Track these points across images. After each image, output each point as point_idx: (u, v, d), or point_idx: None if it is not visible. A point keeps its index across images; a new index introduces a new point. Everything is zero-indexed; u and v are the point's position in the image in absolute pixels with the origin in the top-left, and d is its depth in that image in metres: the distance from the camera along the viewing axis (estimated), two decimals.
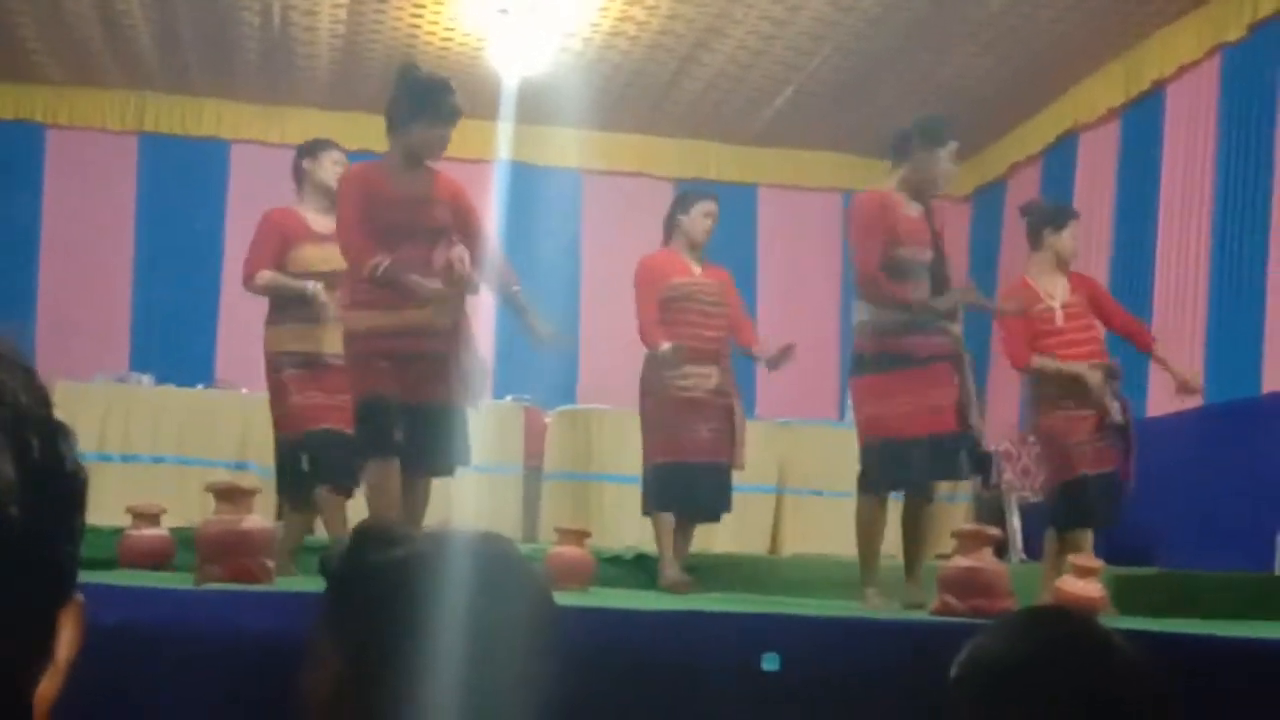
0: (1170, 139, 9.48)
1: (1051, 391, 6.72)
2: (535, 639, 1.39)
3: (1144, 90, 9.74)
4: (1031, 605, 3.70)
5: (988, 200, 12.15)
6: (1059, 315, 6.84)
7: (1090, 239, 10.33)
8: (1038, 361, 6.72)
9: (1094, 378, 6.64)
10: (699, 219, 6.93)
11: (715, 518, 6.97)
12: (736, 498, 9.22)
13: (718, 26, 9.83)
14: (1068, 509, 6.71)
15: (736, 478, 9.35)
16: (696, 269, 6.92)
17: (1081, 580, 6.00)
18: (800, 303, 12.20)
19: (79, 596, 0.84)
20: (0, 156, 11.42)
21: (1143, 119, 9.84)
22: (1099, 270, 10.09)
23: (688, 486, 6.78)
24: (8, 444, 0.76)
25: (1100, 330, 6.95)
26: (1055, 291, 6.82)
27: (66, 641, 0.82)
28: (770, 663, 3.73)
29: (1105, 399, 6.67)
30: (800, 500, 9.75)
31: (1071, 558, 6.33)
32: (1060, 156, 10.92)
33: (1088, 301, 6.90)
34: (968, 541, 5.32)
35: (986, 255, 11.61)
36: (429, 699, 1.30)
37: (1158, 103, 9.65)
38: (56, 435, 0.81)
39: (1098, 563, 6.36)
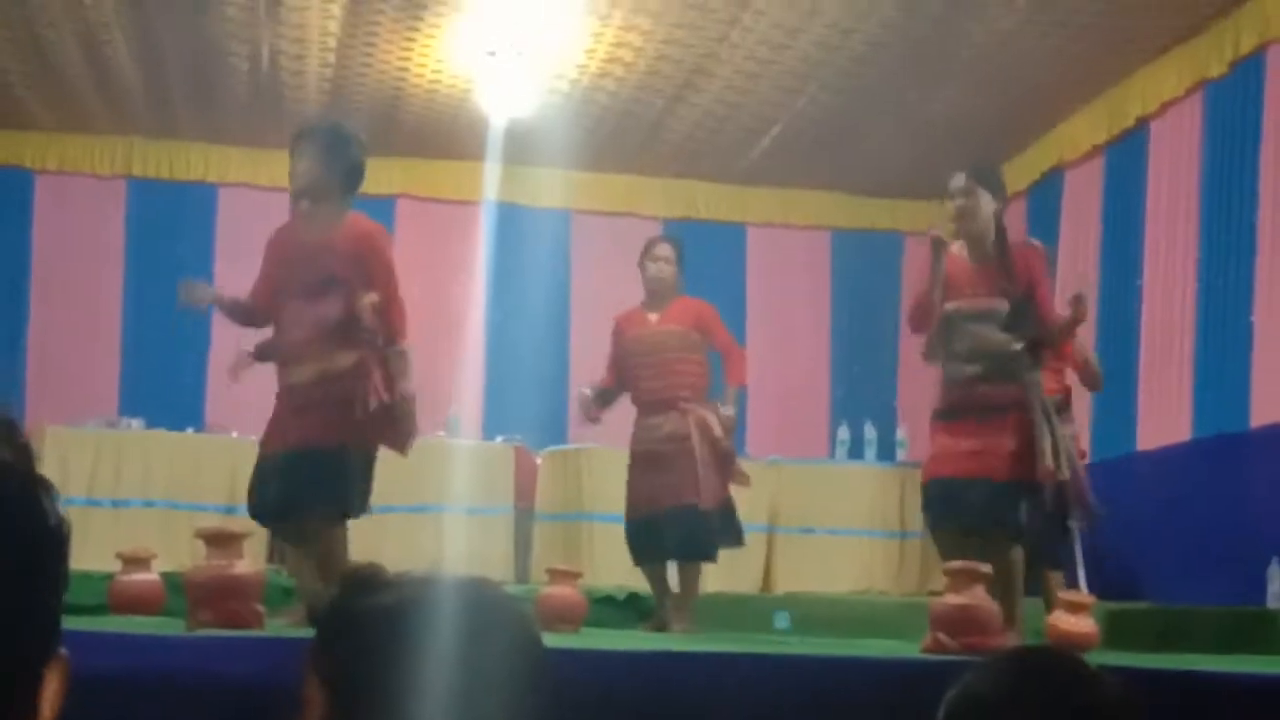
0: (1154, 175, 9.53)
1: None
2: (522, 682, 1.39)
3: (1128, 127, 9.80)
4: (1020, 645, 3.70)
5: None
6: None
7: (1076, 275, 10.37)
8: None
9: None
10: (648, 265, 7.04)
11: (685, 559, 6.89)
12: None
13: (705, 67, 9.88)
14: None
15: None
16: (653, 317, 6.98)
17: (1073, 616, 6.01)
18: (790, 341, 12.22)
19: (63, 651, 0.83)
20: None
21: (1127, 155, 9.89)
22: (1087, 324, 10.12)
23: (646, 538, 6.86)
24: None
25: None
26: None
27: (50, 699, 0.82)
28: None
29: None
30: (791, 539, 9.74)
31: (1062, 594, 6.36)
32: (1045, 193, 10.97)
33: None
34: (960, 579, 5.31)
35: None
36: None
37: (1142, 139, 9.70)
38: (39, 490, 0.82)
39: (1089, 598, 6.39)
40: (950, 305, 5.76)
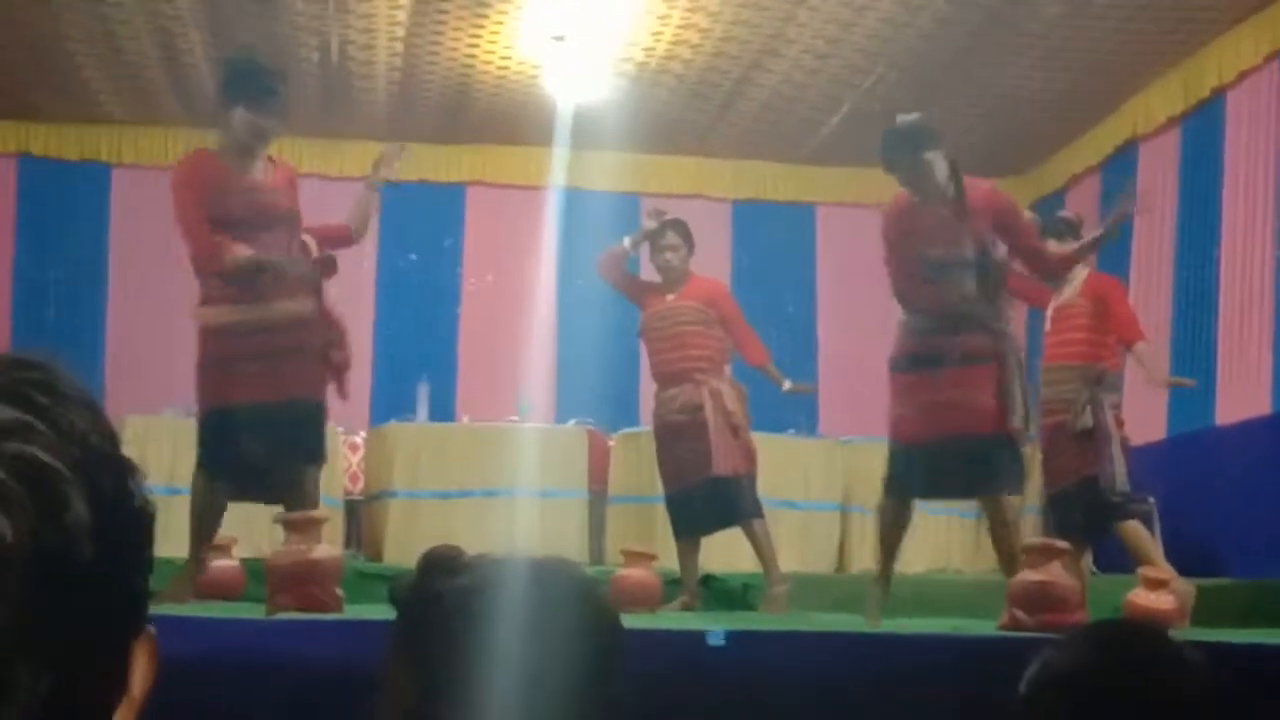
0: (1231, 146, 9.39)
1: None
2: (600, 662, 1.40)
3: (1204, 98, 9.65)
4: (1100, 619, 3.67)
5: (1046, 213, 12.05)
6: (1048, 318, 7.20)
7: (1152, 248, 10.24)
8: None
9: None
10: (656, 255, 7.25)
11: (715, 529, 7.07)
12: (800, 516, 9.28)
13: (772, 47, 9.84)
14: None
15: (801, 496, 9.39)
16: (670, 296, 7.14)
17: (1152, 593, 5.95)
18: (861, 320, 12.15)
19: (150, 629, 0.84)
20: (68, 196, 11.59)
21: (1203, 127, 9.76)
22: (1162, 280, 10.01)
23: (682, 510, 7.02)
24: (80, 483, 0.77)
25: (1086, 334, 7.04)
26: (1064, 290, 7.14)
27: (140, 675, 0.83)
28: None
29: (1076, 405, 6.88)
30: (866, 518, 9.68)
31: (1142, 570, 6.29)
32: (1119, 167, 10.83)
33: (1093, 305, 7.02)
34: (1037, 556, 5.27)
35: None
36: None
37: (1218, 110, 9.56)
38: (125, 472, 0.83)
39: (1170, 574, 6.32)
40: (916, 253, 5.72)
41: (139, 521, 0.83)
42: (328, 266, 5.77)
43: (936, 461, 5.63)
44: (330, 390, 5.75)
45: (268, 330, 5.47)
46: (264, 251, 5.50)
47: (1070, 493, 7.00)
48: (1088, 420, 6.85)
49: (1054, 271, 6.32)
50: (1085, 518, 6.86)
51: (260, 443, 5.42)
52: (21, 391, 0.79)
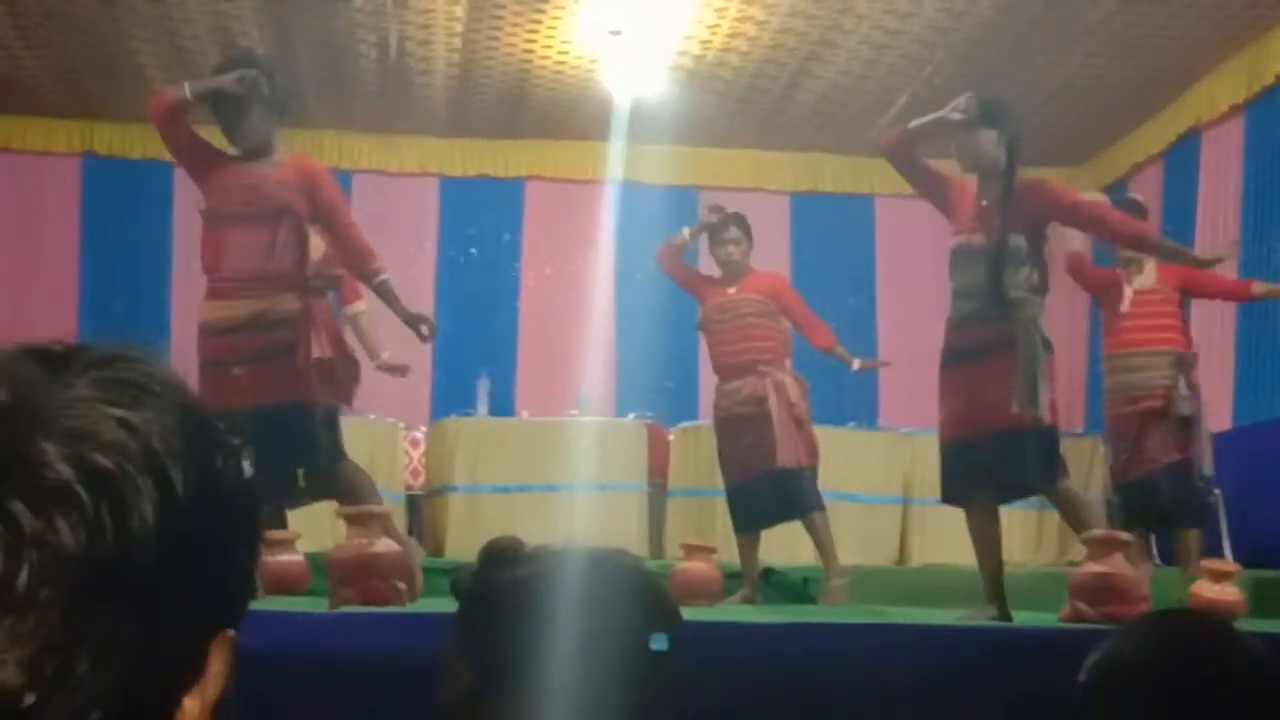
0: None
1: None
2: (657, 653, 1.41)
3: (1268, 84, 9.54)
4: (1163, 608, 3.64)
5: (1110, 199, 11.95)
6: (1127, 301, 7.15)
7: (1216, 237, 10.13)
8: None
9: None
10: (718, 249, 7.25)
11: (776, 522, 7.06)
12: (861, 509, 9.25)
13: (829, 38, 9.81)
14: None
15: (862, 489, 9.37)
16: (731, 289, 7.14)
17: (1216, 584, 5.90)
18: (921, 312, 12.09)
19: (229, 633, 0.82)
20: (132, 195, 11.70)
21: (1267, 114, 9.64)
22: (1228, 268, 9.89)
23: (743, 504, 7.00)
24: (152, 487, 0.76)
25: (1175, 320, 7.03)
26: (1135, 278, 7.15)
27: (213, 678, 0.81)
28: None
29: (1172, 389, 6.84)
30: (927, 510, 9.66)
31: (1205, 563, 6.25)
32: (1182, 155, 10.73)
33: (1179, 292, 7.03)
34: (1099, 547, 5.24)
35: (1107, 256, 11.43)
36: (556, 712, 1.33)
37: None
38: (210, 456, 0.81)
39: (1233, 566, 6.28)
40: (954, 240, 5.67)
41: (225, 521, 0.81)
42: (329, 280, 5.71)
43: (971, 462, 5.57)
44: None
45: (233, 330, 5.39)
46: (226, 243, 5.48)
47: (1158, 477, 6.95)
48: (1187, 406, 6.85)
49: (1139, 239, 6.23)
50: (1171, 502, 6.85)
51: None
52: (106, 391, 0.78)
